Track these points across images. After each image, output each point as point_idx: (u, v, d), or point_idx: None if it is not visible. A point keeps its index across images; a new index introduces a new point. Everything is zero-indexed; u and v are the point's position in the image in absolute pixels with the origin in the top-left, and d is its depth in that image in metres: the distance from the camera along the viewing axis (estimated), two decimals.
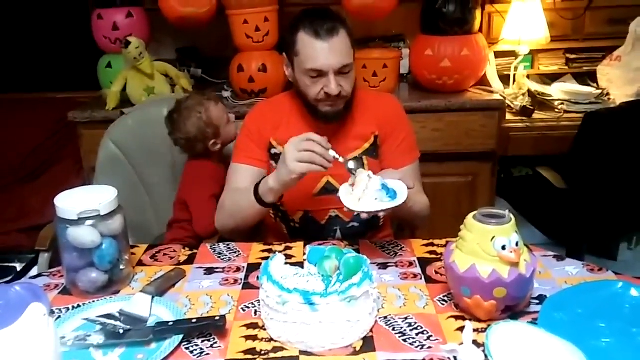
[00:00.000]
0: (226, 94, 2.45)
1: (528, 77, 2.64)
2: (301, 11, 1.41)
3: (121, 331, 1.02)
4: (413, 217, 1.47)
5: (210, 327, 1.03)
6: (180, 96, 1.86)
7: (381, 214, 1.22)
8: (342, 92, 1.38)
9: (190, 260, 1.33)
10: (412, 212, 1.42)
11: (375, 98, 1.57)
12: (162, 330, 1.01)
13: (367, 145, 1.50)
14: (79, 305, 1.14)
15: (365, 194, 1.21)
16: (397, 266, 1.26)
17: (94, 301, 1.14)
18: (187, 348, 1.00)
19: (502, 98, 2.39)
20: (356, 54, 1.43)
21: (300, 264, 1.15)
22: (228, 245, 1.40)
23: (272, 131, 1.50)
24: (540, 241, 2.32)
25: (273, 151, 1.50)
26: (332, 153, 1.26)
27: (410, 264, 1.27)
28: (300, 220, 1.52)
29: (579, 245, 2.24)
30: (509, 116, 2.40)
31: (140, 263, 1.33)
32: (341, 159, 1.27)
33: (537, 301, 1.09)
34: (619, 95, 2.45)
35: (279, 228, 1.56)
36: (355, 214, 1.48)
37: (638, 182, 2.05)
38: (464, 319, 1.05)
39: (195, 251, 1.37)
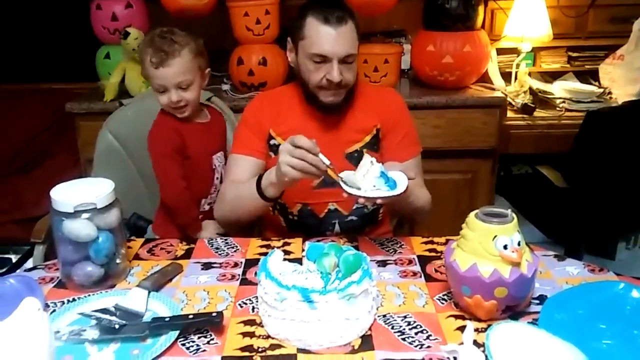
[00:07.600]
0: (225, 87, 2.44)
1: (530, 74, 2.62)
2: None
3: (116, 326, 1.01)
4: (414, 211, 1.47)
5: (207, 323, 1.02)
6: None
7: (379, 201, 1.20)
8: (343, 80, 1.38)
9: (187, 254, 1.32)
10: (413, 206, 1.41)
11: (377, 91, 1.58)
12: (158, 325, 1.00)
13: (368, 138, 1.49)
14: (74, 299, 1.13)
15: (365, 178, 1.20)
16: (396, 264, 1.25)
17: (89, 295, 1.13)
18: (183, 344, 0.98)
19: (503, 95, 2.38)
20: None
21: (299, 260, 1.14)
22: (226, 240, 1.39)
23: (272, 122, 1.50)
24: (538, 239, 2.32)
25: (272, 142, 1.50)
26: (322, 158, 1.22)
27: (410, 261, 1.26)
28: (298, 213, 1.51)
29: (577, 244, 2.24)
30: (510, 114, 2.40)
31: (137, 257, 1.31)
32: (327, 162, 1.22)
33: (538, 301, 1.08)
34: (621, 94, 2.44)
35: (277, 221, 1.55)
36: (355, 206, 1.48)
37: (638, 182, 2.04)
38: (463, 318, 1.04)
39: (192, 246, 1.36)
